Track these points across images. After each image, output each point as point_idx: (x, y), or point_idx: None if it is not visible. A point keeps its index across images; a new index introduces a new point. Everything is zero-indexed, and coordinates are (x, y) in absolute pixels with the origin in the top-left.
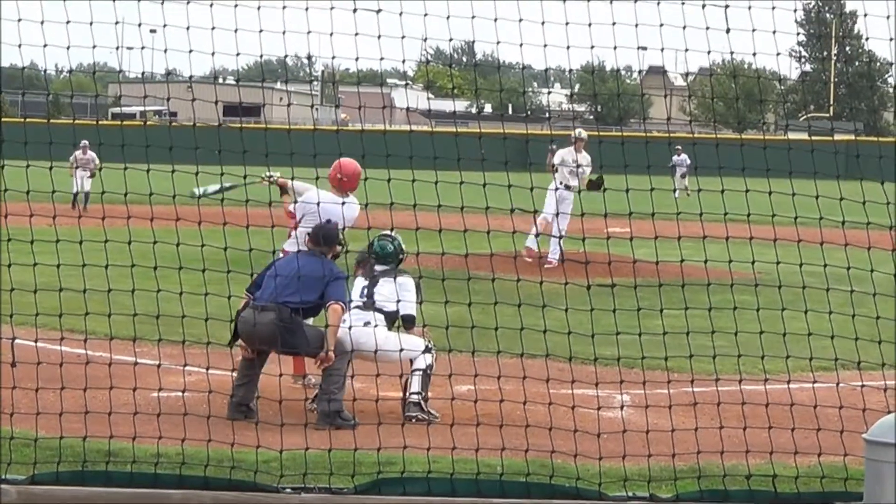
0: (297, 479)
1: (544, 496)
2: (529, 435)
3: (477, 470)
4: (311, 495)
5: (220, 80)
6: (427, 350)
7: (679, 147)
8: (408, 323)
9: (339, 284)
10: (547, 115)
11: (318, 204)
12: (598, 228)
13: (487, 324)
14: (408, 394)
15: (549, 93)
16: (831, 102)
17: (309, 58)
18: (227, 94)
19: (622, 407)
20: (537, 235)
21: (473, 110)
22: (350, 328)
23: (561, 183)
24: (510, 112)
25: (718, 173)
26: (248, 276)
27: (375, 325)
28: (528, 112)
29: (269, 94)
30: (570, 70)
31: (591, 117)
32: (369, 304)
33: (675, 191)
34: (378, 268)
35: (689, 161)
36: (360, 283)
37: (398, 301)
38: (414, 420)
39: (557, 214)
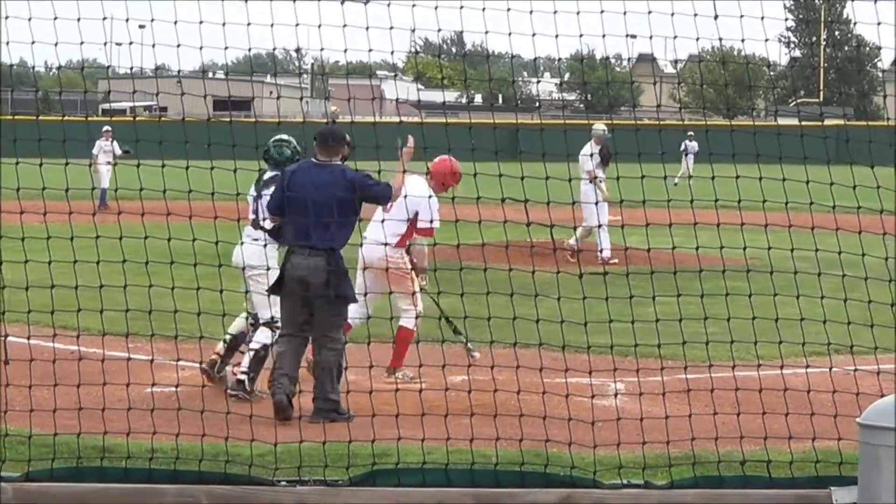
0: (292, 471)
1: (539, 485)
2: (524, 424)
3: (472, 460)
4: (306, 488)
5: (210, 75)
6: (264, 322)
7: (691, 133)
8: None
9: (371, 185)
10: (537, 104)
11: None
12: None
13: (480, 314)
14: (237, 369)
15: (538, 82)
16: (821, 88)
17: (297, 50)
18: (217, 89)
19: (616, 395)
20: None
21: (464, 100)
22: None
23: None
24: (500, 102)
25: (709, 160)
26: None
27: (265, 245)
28: (518, 102)
29: (259, 88)
30: (559, 59)
31: (581, 106)
32: (257, 222)
33: (666, 177)
34: (267, 175)
35: (696, 148)
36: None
37: None
38: (233, 396)
39: (596, 203)
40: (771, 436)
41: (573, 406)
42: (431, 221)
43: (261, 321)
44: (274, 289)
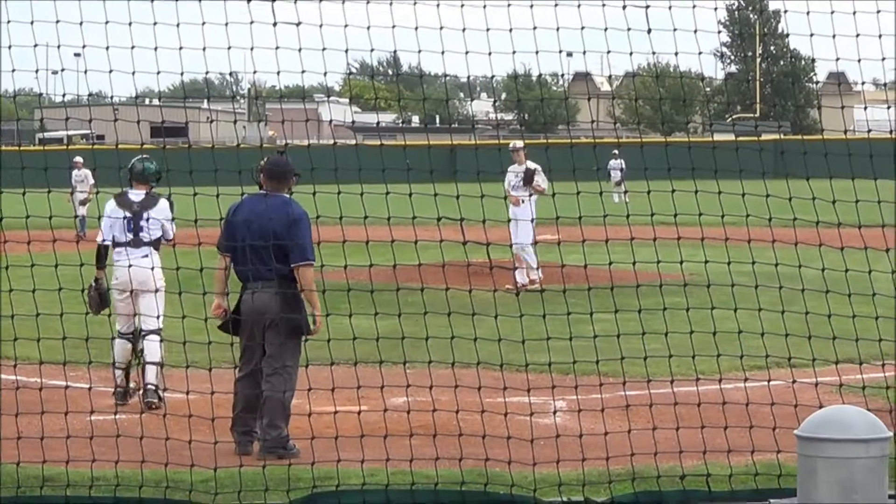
0: (232, 496)
1: None
2: (463, 444)
3: (412, 481)
4: None
5: (147, 102)
6: (159, 332)
7: (616, 151)
8: (169, 241)
9: (301, 234)
10: (472, 125)
11: None
12: None
13: (418, 334)
14: (145, 383)
15: (472, 100)
16: (757, 102)
17: (231, 74)
18: (154, 115)
19: (555, 412)
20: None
21: (400, 122)
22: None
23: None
24: (437, 123)
25: (644, 175)
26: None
27: (145, 256)
28: (456, 122)
29: (195, 114)
30: (493, 76)
31: (519, 125)
32: (137, 241)
33: (602, 193)
34: (135, 197)
35: (623, 165)
36: (117, 214)
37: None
38: (153, 406)
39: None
40: (710, 450)
41: (513, 424)
42: None
43: (153, 329)
44: (232, 326)
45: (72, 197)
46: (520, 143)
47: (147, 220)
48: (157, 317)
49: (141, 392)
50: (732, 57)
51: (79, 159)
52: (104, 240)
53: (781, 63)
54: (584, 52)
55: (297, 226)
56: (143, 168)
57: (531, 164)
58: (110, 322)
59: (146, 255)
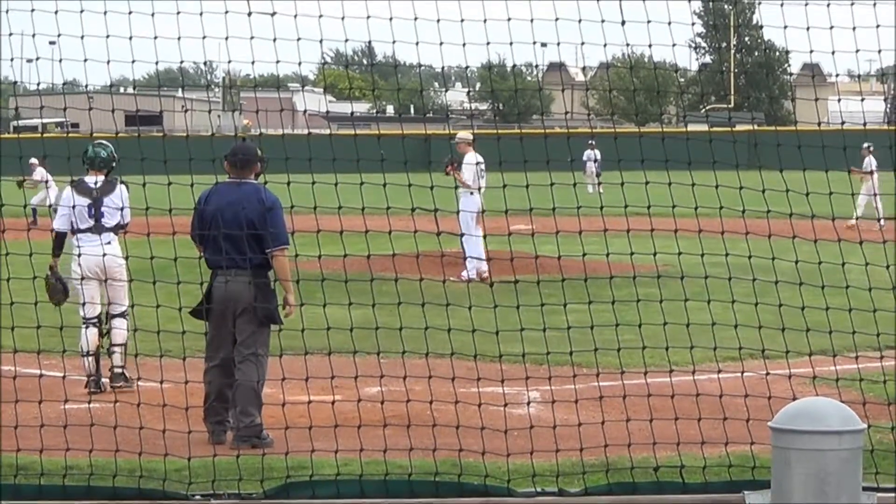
0: (206, 486)
1: (453, 495)
2: (437, 434)
3: (385, 471)
4: (220, 501)
5: (122, 90)
6: (125, 315)
7: (592, 142)
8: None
9: (275, 221)
10: (447, 115)
11: None
12: (500, 227)
13: (392, 325)
14: (112, 367)
15: (447, 90)
16: (731, 93)
17: (205, 63)
18: (129, 104)
19: (529, 403)
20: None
21: (375, 112)
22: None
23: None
24: (412, 113)
25: (618, 167)
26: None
27: (108, 243)
28: (431, 112)
29: (170, 103)
30: (467, 66)
31: (493, 115)
32: (100, 227)
33: (575, 184)
34: (93, 184)
35: (598, 156)
36: (80, 202)
37: (122, 209)
38: (119, 387)
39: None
40: (684, 441)
41: (486, 415)
42: None
43: (119, 312)
44: (201, 313)
45: (47, 188)
46: (461, 136)
47: (107, 206)
48: (126, 304)
49: (109, 377)
50: (707, 48)
51: (34, 161)
52: (62, 228)
53: (756, 54)
54: (559, 44)
55: (272, 213)
56: (95, 154)
57: (476, 157)
58: (84, 311)
59: (109, 242)
